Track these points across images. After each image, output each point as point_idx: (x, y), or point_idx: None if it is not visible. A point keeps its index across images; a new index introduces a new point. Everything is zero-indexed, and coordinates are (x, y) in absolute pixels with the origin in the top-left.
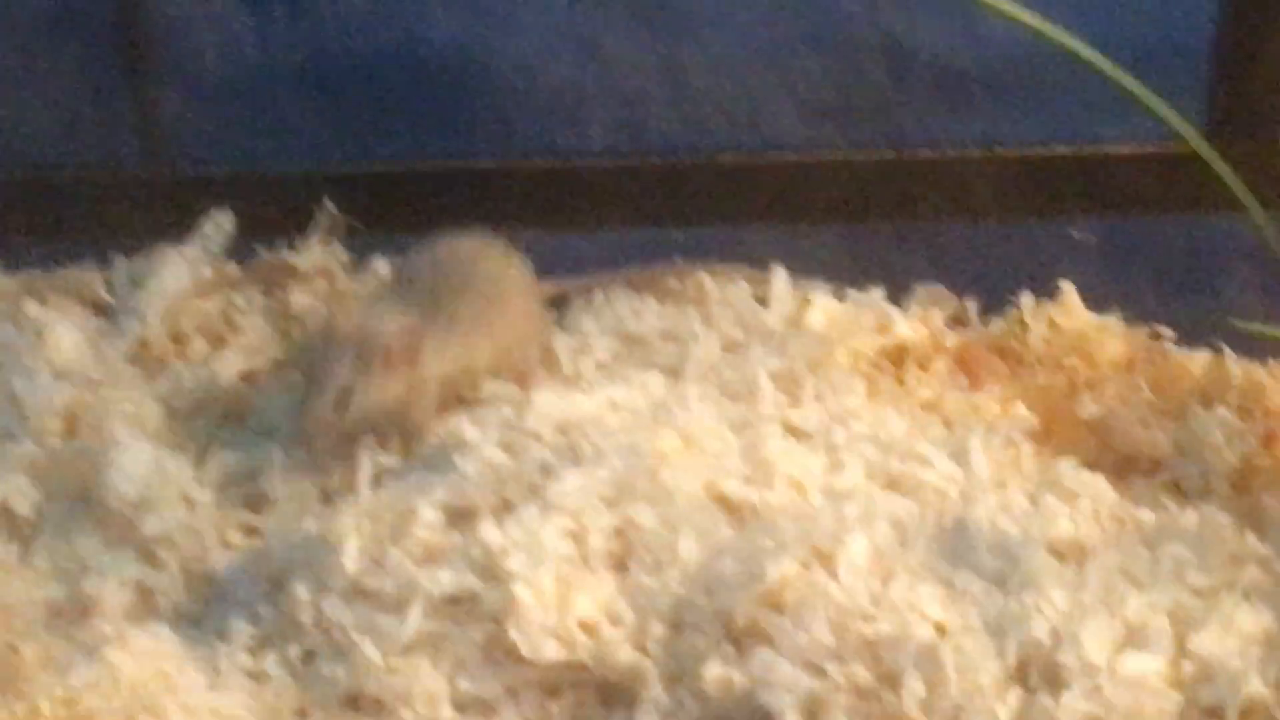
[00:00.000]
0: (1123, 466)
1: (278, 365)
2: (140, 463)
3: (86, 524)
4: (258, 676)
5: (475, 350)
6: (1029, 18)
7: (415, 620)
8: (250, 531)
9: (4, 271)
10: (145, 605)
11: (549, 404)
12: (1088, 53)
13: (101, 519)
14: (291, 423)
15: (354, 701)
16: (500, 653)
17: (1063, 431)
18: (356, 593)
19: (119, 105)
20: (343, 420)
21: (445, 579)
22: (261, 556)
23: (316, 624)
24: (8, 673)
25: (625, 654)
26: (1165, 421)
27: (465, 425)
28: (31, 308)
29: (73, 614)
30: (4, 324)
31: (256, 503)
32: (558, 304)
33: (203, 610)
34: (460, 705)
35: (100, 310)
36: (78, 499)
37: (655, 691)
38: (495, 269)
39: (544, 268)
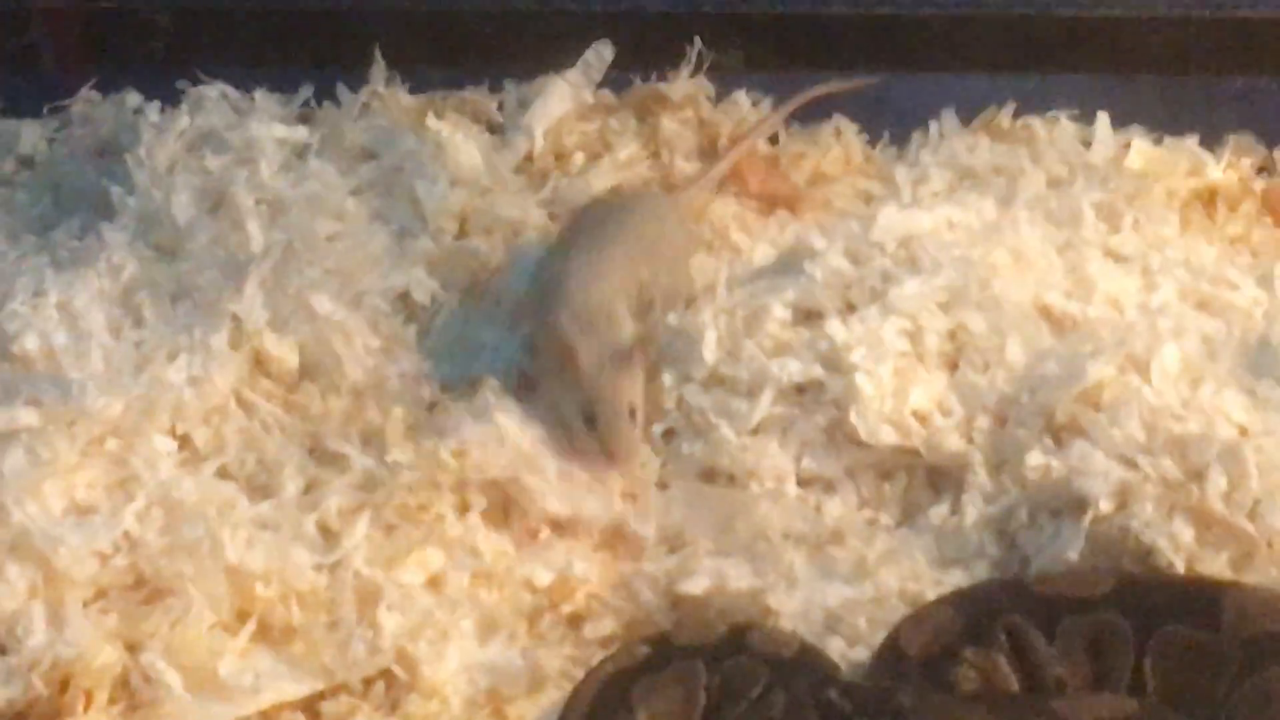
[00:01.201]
0: None
1: (645, 183)
2: (528, 264)
3: (476, 315)
4: None
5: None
6: None
7: (765, 404)
8: None
9: (409, 91)
10: (526, 387)
11: (891, 219)
12: None
13: (490, 312)
14: None
15: (709, 474)
16: (840, 436)
17: None
18: (714, 380)
19: None
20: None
21: (794, 369)
22: None
23: (679, 406)
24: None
25: (954, 442)
26: None
27: (814, 235)
28: (432, 123)
29: (463, 387)
30: (408, 136)
31: None
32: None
33: None
34: (804, 481)
35: (492, 128)
36: (468, 292)
37: (980, 477)
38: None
39: (891, 108)
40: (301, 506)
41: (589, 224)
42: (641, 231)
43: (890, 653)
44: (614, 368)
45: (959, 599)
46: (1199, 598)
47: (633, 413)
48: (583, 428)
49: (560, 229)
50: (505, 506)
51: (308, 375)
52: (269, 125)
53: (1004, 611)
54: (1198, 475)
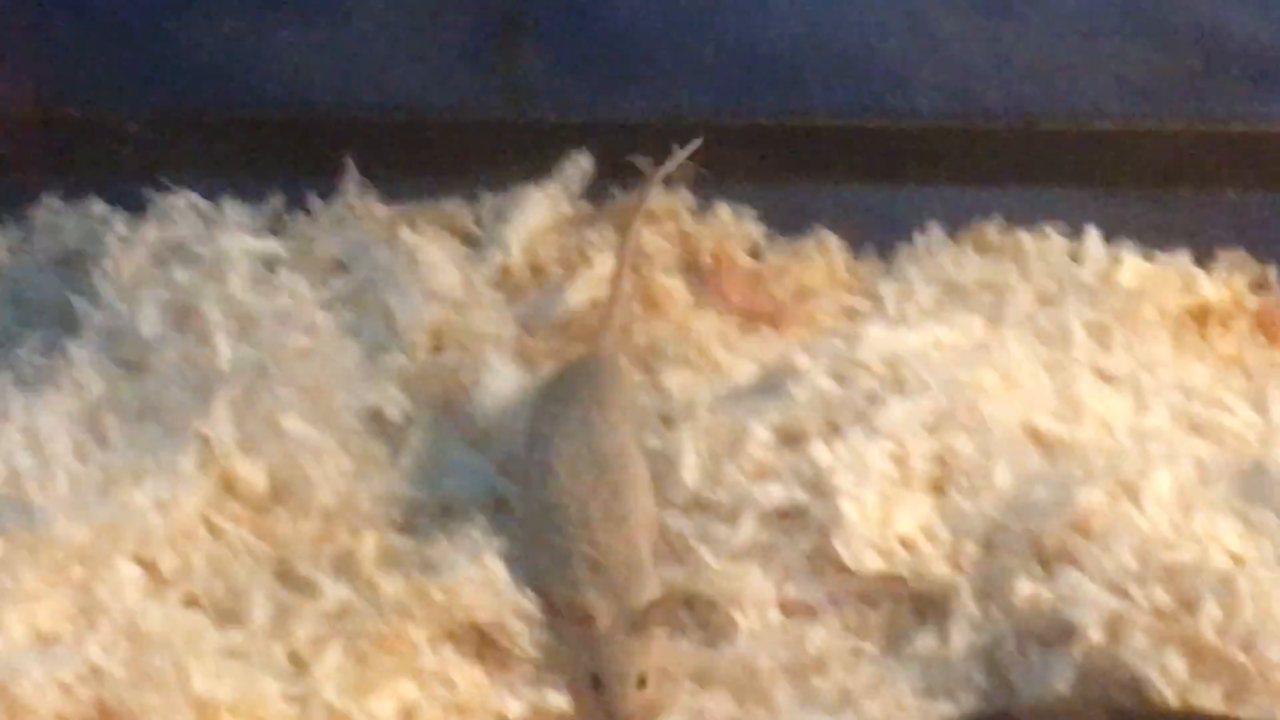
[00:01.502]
0: None
1: (626, 298)
2: (504, 380)
3: (450, 433)
4: None
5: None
6: None
7: (747, 529)
8: None
9: (382, 201)
10: (502, 510)
11: (878, 338)
12: None
13: (465, 429)
14: None
15: (688, 602)
16: (824, 562)
17: None
18: (695, 504)
19: (486, 55)
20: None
21: (776, 492)
22: None
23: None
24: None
25: (940, 569)
26: None
27: (798, 354)
28: (406, 234)
29: (434, 511)
30: (381, 248)
31: None
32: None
33: None
34: (786, 609)
35: (467, 240)
36: (443, 410)
37: (967, 605)
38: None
39: (876, 219)
40: (270, 634)
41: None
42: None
43: None
44: (628, 631)
45: None
46: None
47: (643, 681)
48: (590, 692)
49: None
50: (481, 640)
51: (277, 498)
52: (238, 236)
53: None
54: (1191, 605)
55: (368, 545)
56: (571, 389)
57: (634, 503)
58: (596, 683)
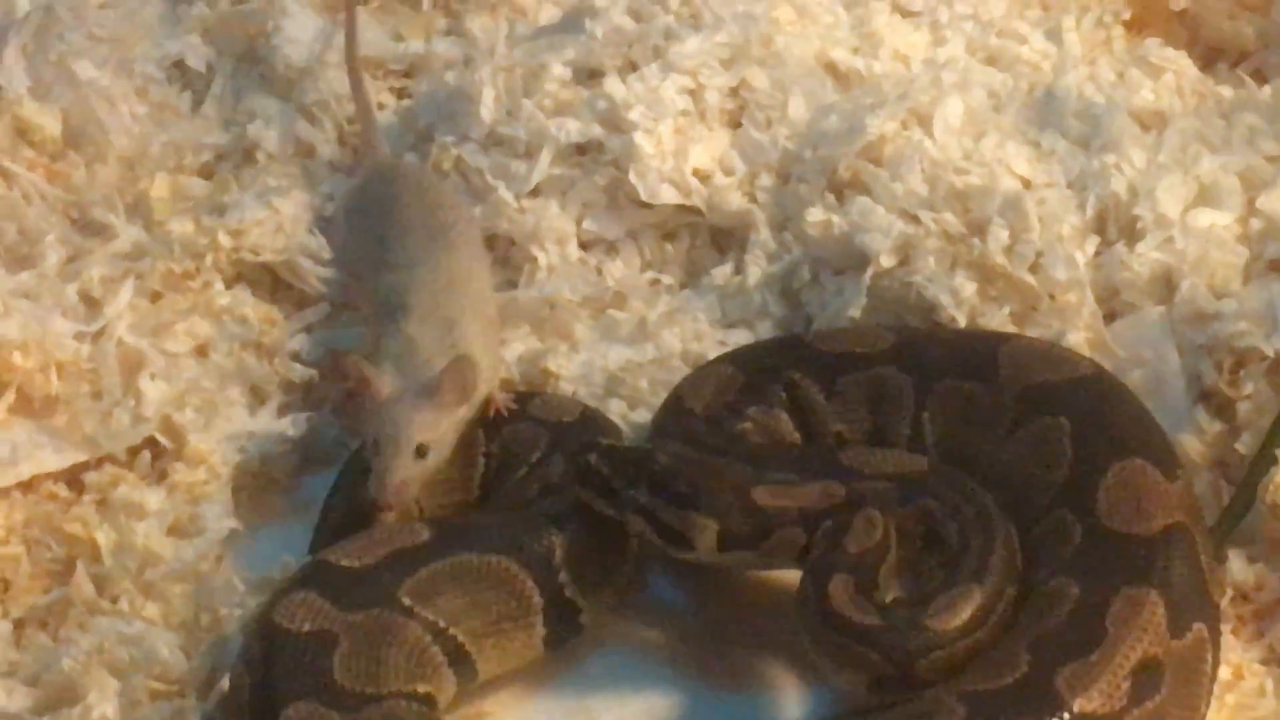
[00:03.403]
0: (1209, 57)
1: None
2: (303, 27)
3: (252, 82)
4: None
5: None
6: None
7: (544, 165)
8: (401, 94)
9: None
10: (304, 155)
11: None
12: None
13: (267, 78)
14: None
15: (489, 242)
16: (622, 197)
17: (1154, 22)
18: (492, 141)
19: None
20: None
21: (573, 128)
22: (409, 113)
23: (457, 169)
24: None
25: (736, 201)
26: (1252, 15)
27: None
28: None
29: (237, 159)
30: None
31: (408, 68)
32: None
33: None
34: (586, 244)
35: None
36: (243, 59)
37: (763, 235)
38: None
39: None
40: (62, 276)
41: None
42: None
43: (673, 412)
44: (414, 402)
45: (739, 356)
46: (976, 351)
47: (423, 451)
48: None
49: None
50: (275, 281)
51: (72, 144)
52: None
53: (784, 368)
54: (979, 228)
55: (161, 189)
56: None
57: (465, 299)
58: (376, 448)
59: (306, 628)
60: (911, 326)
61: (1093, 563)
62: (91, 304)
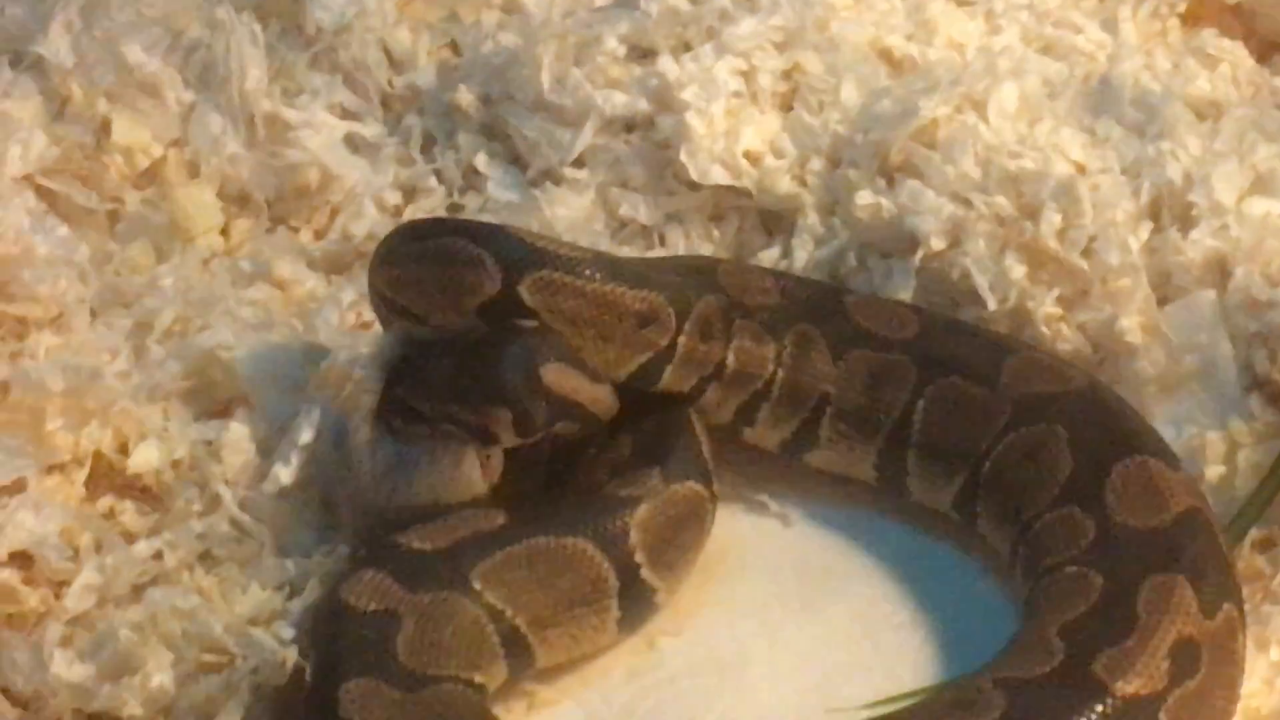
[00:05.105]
0: (1265, 51)
1: None
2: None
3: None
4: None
5: None
6: None
7: (588, 135)
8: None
9: None
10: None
11: None
12: None
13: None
14: None
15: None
16: (670, 177)
17: (1209, 15)
18: (539, 105)
19: None
20: None
21: (619, 101)
22: (457, 69)
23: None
24: None
25: (785, 184)
26: None
27: None
28: None
29: None
30: None
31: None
32: None
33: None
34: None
35: None
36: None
37: (811, 219)
38: None
39: None
40: None
41: None
42: None
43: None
44: None
45: (783, 278)
46: (986, 355)
47: None
48: None
49: None
50: None
51: None
52: None
53: (805, 320)
54: (1032, 212)
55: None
56: None
57: None
58: None
59: (372, 606)
60: (936, 316)
61: (1113, 556)
62: None
